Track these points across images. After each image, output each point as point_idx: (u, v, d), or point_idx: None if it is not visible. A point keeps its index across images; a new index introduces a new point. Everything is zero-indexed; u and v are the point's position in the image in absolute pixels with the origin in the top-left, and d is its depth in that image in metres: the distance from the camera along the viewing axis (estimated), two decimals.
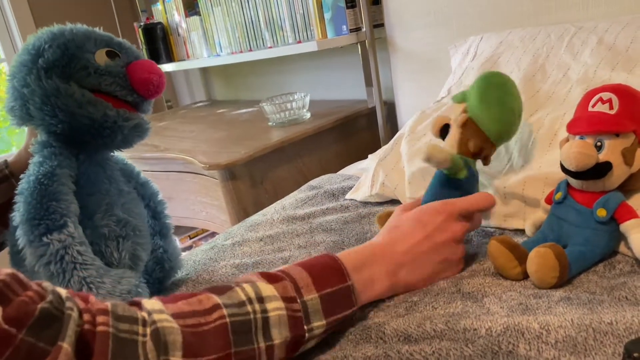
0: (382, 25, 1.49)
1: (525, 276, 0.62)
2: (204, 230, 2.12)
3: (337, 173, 1.19)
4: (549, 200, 0.68)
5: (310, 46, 1.51)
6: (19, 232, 0.58)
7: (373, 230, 0.83)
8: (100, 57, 0.64)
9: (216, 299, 0.48)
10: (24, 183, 0.60)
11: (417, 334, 0.53)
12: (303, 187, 1.12)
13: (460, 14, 1.27)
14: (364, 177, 1.00)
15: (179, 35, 2.17)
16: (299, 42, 1.62)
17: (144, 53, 2.21)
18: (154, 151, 1.53)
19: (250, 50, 1.83)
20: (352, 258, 0.59)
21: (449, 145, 0.72)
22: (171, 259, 0.78)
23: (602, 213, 0.60)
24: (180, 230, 2.07)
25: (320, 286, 0.54)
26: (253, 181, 1.33)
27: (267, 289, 0.51)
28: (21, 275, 0.39)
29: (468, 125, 0.71)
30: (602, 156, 0.60)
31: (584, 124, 0.62)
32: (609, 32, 0.90)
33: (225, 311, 0.47)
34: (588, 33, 0.93)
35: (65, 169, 0.62)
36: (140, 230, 0.69)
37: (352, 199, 0.98)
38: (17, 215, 0.59)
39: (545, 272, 0.58)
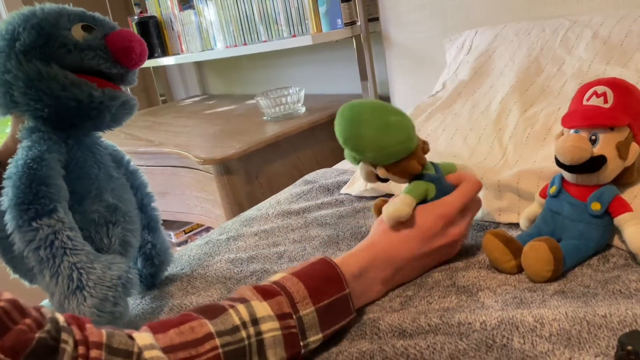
0: (377, 19, 1.49)
1: (519, 270, 0.62)
2: (199, 225, 2.11)
3: (332, 167, 1.19)
4: (543, 194, 0.68)
5: (305, 40, 1.50)
6: (7, 217, 0.57)
7: (368, 224, 0.83)
8: (77, 32, 0.62)
9: (209, 326, 0.47)
10: (12, 167, 0.59)
11: (412, 328, 0.53)
12: (298, 182, 1.12)
13: (455, 8, 1.27)
14: (359, 172, 1.00)
15: (173, 29, 2.15)
16: (294, 36, 1.62)
17: None
18: (148, 146, 1.52)
19: (245, 44, 1.82)
20: (351, 264, 0.58)
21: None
22: (160, 253, 0.77)
23: (596, 207, 0.60)
24: (175, 224, 2.07)
25: (317, 299, 0.52)
26: (248, 176, 1.33)
27: (261, 309, 0.49)
28: (21, 301, 0.38)
29: (388, 168, 0.64)
30: (597, 150, 0.60)
31: (579, 117, 0.62)
32: (604, 26, 0.90)
33: (218, 341, 0.46)
34: (583, 27, 0.93)
35: (55, 154, 0.61)
36: (130, 216, 0.68)
37: (347, 194, 0.98)
38: (5, 199, 0.58)
39: (540, 266, 0.58)
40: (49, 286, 0.58)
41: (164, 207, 1.60)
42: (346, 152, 0.67)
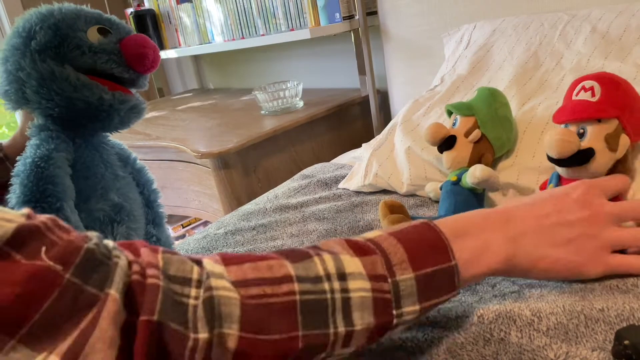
0: (375, 12, 1.48)
1: None
2: (196, 219, 2.11)
3: (330, 162, 1.19)
4: (543, 189, 0.68)
5: (303, 34, 1.50)
6: None
7: (366, 218, 0.83)
8: (93, 35, 0.63)
9: (289, 267, 0.41)
10: (20, 165, 0.59)
11: None
12: (296, 176, 1.12)
13: (454, 2, 1.27)
14: (357, 167, 1.00)
15: (170, 22, 2.14)
16: (292, 29, 1.61)
17: None
18: (146, 139, 1.52)
19: (243, 37, 1.81)
20: (457, 226, 0.48)
21: (458, 159, 0.76)
22: (164, 247, 0.77)
23: None
24: (172, 219, 2.07)
25: (418, 265, 0.44)
26: (246, 170, 1.33)
27: (351, 264, 0.42)
28: (61, 221, 0.36)
29: (480, 140, 0.76)
30: (585, 143, 0.60)
31: (567, 112, 0.63)
32: (603, 20, 0.90)
33: (297, 286, 0.40)
34: (581, 21, 0.93)
35: (62, 153, 0.62)
36: (135, 215, 0.69)
37: (344, 188, 0.98)
38: (13, 197, 0.58)
39: None
40: None
41: (162, 201, 1.60)
42: (465, 106, 0.78)
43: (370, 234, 0.47)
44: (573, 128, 0.62)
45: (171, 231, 2.05)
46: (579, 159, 0.60)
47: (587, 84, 0.63)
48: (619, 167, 0.63)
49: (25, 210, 0.34)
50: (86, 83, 0.62)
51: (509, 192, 0.75)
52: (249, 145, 1.31)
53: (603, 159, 0.60)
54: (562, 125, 0.63)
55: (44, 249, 0.32)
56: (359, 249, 0.44)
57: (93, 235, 0.36)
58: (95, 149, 0.67)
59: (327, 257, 0.42)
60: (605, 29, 0.88)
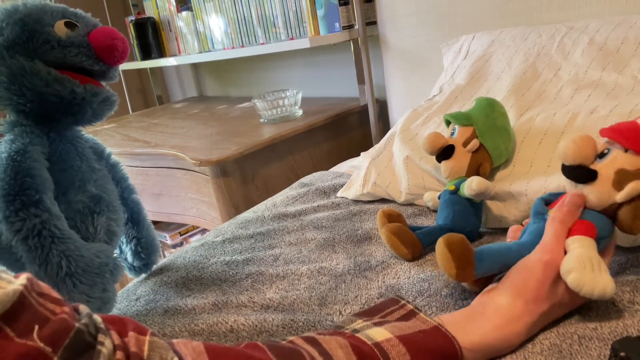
0: (374, 23, 1.49)
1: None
2: (194, 227, 2.11)
3: (329, 170, 1.19)
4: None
5: (302, 43, 1.51)
6: None
7: (364, 227, 0.83)
8: (60, 29, 0.63)
9: None
10: None
11: None
12: (294, 185, 1.12)
13: (453, 12, 1.28)
14: (356, 175, 1.00)
15: (170, 30, 2.15)
16: (292, 38, 1.62)
17: (135, 48, 2.20)
18: (144, 147, 1.52)
19: (243, 46, 1.82)
20: (472, 339, 0.48)
21: (456, 168, 0.76)
22: (147, 246, 0.80)
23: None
24: (170, 226, 2.07)
25: None
26: (244, 178, 1.33)
27: None
28: (55, 293, 0.36)
29: (478, 150, 0.76)
30: (598, 165, 0.52)
31: (610, 128, 0.53)
32: (600, 32, 0.91)
33: None
34: (579, 33, 0.93)
35: (38, 146, 0.62)
36: (114, 206, 0.70)
37: (343, 197, 0.98)
38: None
39: (444, 264, 0.54)
40: (38, 274, 0.59)
41: (159, 209, 1.60)
42: (463, 116, 0.78)
43: (379, 335, 0.46)
44: (602, 144, 0.53)
45: (168, 239, 2.05)
46: (579, 174, 0.52)
47: None
48: (623, 214, 0.51)
49: (25, 276, 0.34)
50: (57, 77, 0.62)
51: (506, 201, 0.75)
52: (248, 153, 1.31)
53: (602, 189, 0.51)
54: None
55: (36, 327, 0.32)
56: (363, 356, 0.43)
57: (84, 310, 0.37)
58: (70, 142, 0.67)
59: None
60: (603, 40, 0.89)
